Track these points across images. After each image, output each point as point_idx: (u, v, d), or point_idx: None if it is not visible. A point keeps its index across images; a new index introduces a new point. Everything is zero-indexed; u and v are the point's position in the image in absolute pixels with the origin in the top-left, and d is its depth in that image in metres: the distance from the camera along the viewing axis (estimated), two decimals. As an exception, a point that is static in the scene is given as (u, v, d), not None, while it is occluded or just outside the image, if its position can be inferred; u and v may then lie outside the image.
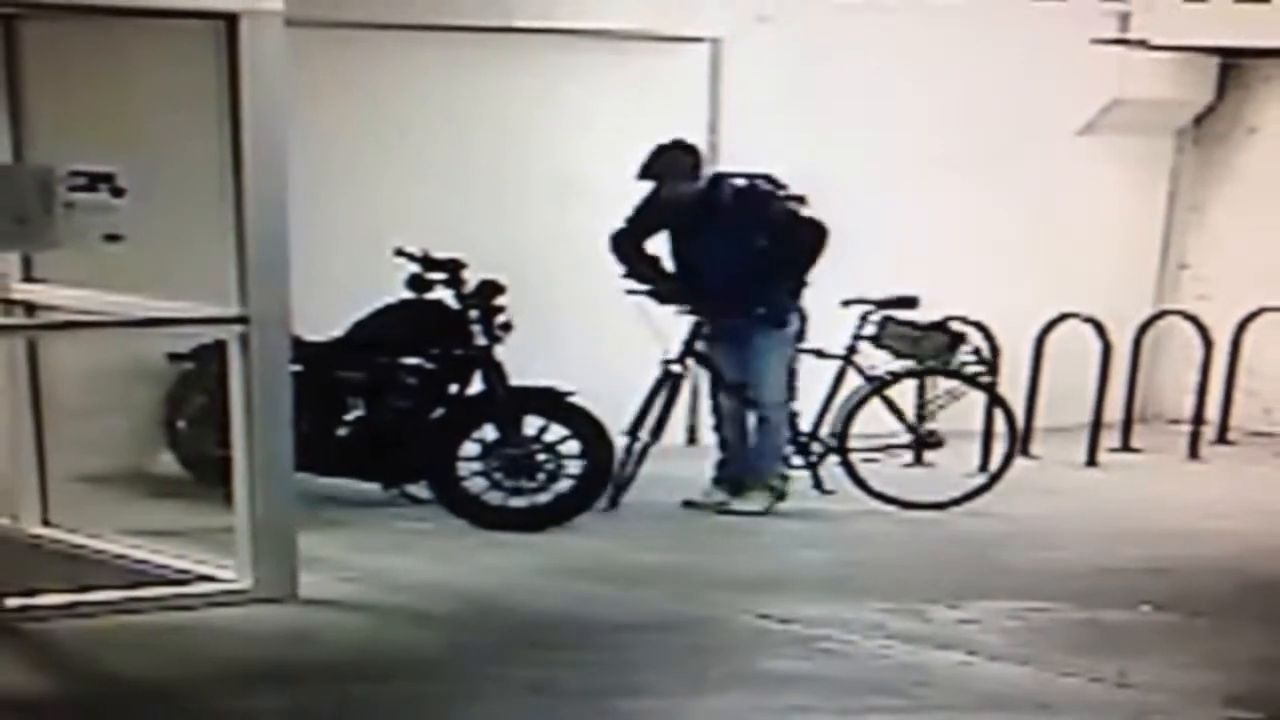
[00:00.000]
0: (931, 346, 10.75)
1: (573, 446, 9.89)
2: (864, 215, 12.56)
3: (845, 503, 10.56)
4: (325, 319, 9.69)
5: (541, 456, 9.90)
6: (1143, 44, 12.78)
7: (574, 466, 9.89)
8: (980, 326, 11.83)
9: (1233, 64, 13.89)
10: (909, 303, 10.71)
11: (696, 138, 12.08)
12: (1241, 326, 13.01)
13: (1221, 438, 13.35)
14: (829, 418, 10.76)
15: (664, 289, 10.31)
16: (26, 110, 8.54)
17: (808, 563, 9.46)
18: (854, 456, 10.65)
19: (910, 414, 11.04)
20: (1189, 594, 8.79)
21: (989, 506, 11.01)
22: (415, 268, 9.97)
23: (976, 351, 11.08)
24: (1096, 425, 12.60)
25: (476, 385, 10.02)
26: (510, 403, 9.92)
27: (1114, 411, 12.90)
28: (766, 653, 7.65)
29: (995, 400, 11.21)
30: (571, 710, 6.83)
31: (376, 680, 7.15)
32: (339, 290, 9.84)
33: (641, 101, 11.74)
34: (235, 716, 6.74)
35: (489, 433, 9.94)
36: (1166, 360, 13.86)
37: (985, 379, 11.17)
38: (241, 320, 7.80)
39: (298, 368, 8.39)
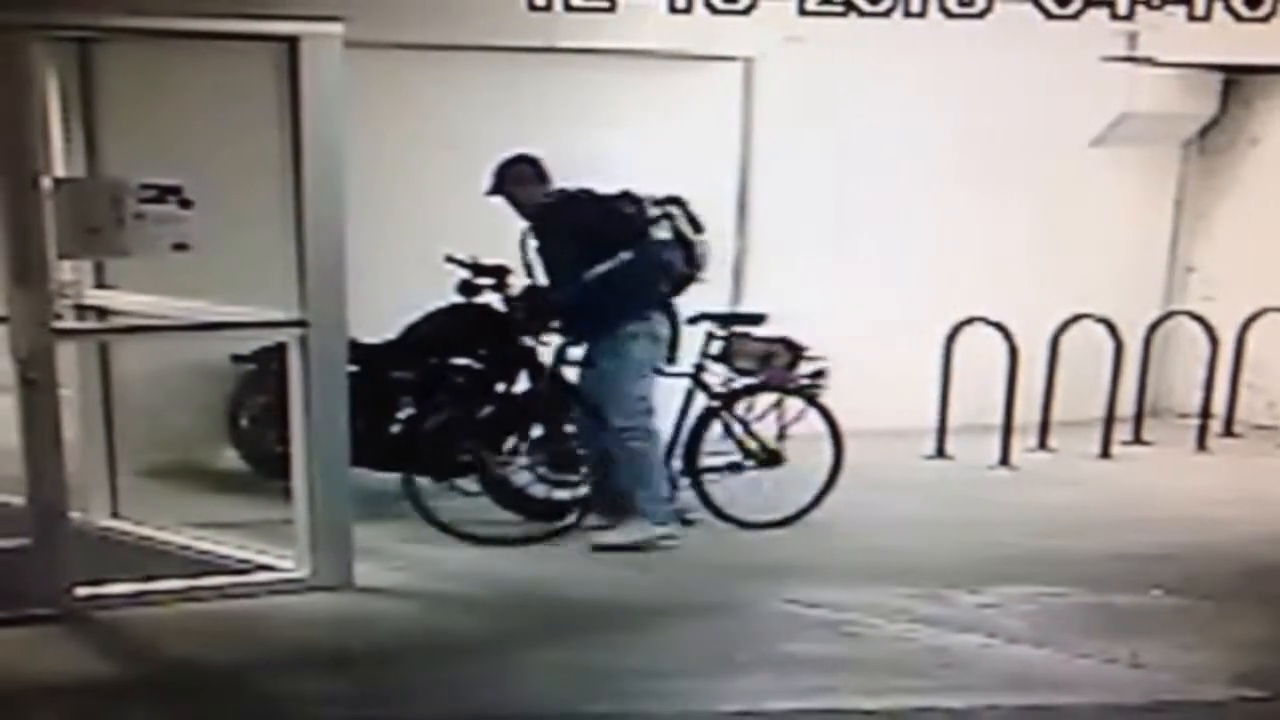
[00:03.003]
0: (778, 362, 9.90)
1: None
2: (891, 225, 12.51)
3: (869, 493, 10.32)
4: (380, 322, 9.63)
5: (583, 451, 9.82)
6: (1150, 61, 12.66)
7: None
8: (1000, 327, 11.74)
9: (1235, 79, 13.80)
10: (755, 319, 9.97)
11: (730, 151, 12.09)
12: (1245, 326, 12.91)
13: (1227, 431, 13.23)
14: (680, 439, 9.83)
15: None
16: (100, 127, 8.53)
17: (835, 550, 9.35)
18: (705, 477, 9.76)
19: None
20: (1197, 579, 8.70)
21: (1007, 496, 10.94)
22: (464, 273, 9.92)
23: (820, 371, 9.89)
24: (1109, 419, 12.49)
25: (522, 384, 9.95)
26: (554, 400, 9.85)
27: (1126, 406, 12.79)
28: (795, 636, 7.60)
29: (823, 415, 9.92)
30: (609, 690, 6.80)
31: (427, 662, 7.14)
32: (393, 295, 9.75)
33: (678, 117, 11.67)
34: (294, 698, 6.72)
35: (534, 429, 9.87)
36: (1175, 358, 13.75)
37: (814, 391, 9.92)
38: (301, 324, 7.80)
39: (354, 368, 8.37)
